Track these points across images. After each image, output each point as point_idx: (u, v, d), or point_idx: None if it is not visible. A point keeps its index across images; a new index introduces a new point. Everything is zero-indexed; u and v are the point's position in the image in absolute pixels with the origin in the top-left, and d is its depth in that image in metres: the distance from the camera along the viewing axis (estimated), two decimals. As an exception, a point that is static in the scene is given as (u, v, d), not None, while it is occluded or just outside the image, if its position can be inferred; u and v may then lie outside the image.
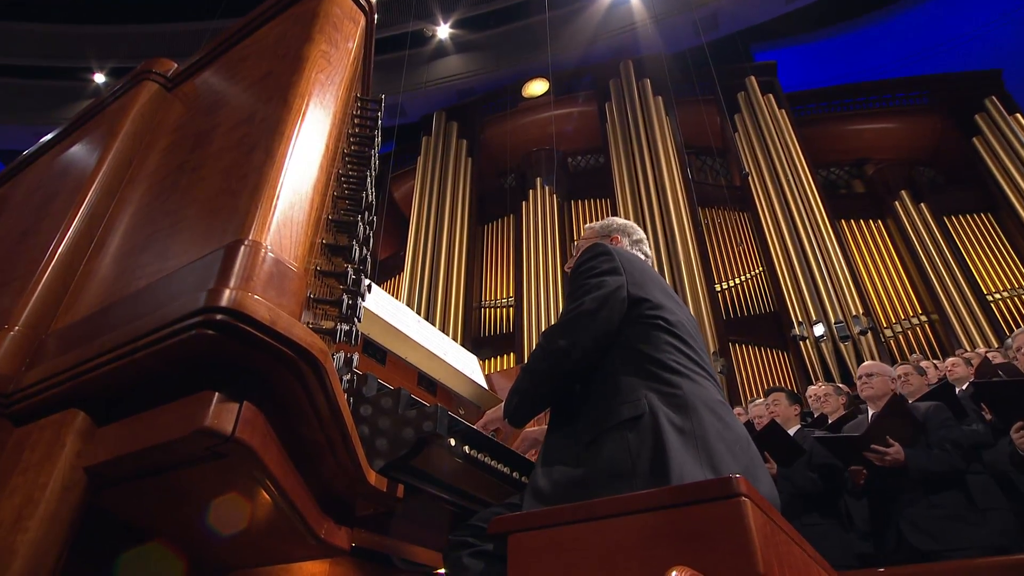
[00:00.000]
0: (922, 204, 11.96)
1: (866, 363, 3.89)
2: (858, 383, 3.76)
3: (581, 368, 1.52)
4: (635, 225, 2.08)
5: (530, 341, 11.44)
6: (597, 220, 2.14)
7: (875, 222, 12.46)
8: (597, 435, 1.37)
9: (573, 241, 13.11)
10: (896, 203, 12.16)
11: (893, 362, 7.43)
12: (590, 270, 1.63)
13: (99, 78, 16.42)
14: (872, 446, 3.13)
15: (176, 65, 1.79)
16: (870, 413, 3.66)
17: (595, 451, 1.35)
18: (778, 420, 4.08)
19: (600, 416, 1.41)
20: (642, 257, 1.96)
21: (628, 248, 1.97)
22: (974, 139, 12.50)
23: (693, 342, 1.57)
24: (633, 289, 1.58)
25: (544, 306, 11.83)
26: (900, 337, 10.75)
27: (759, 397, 5.41)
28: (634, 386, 1.42)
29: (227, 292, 0.90)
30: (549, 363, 1.54)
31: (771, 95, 13.32)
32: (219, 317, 0.89)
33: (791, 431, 4.02)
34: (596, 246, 1.72)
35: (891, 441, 3.11)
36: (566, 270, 1.95)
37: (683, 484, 1.09)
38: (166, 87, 1.74)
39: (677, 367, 1.46)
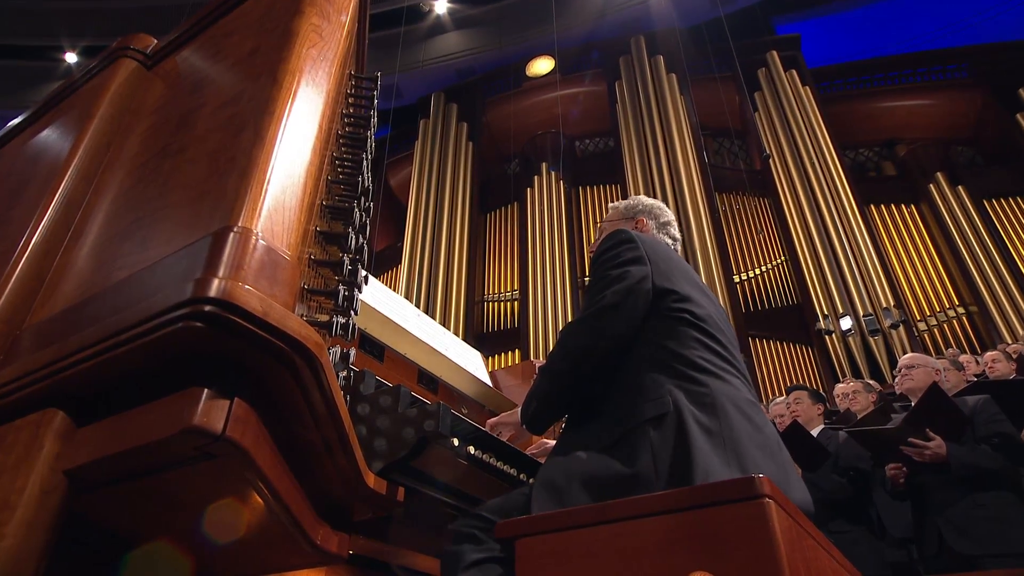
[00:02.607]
0: (959, 187, 11.92)
1: (907, 355, 3.87)
2: (897, 376, 3.72)
3: (604, 367, 1.52)
4: (663, 205, 2.07)
5: (536, 337, 11.46)
6: (607, 207, 2.14)
7: (908, 207, 12.43)
8: (619, 436, 1.37)
9: (581, 230, 13.11)
10: (931, 186, 12.12)
11: (927, 358, 7.41)
12: (612, 259, 1.62)
13: (71, 57, 16.44)
14: (910, 440, 3.10)
15: (156, 41, 1.79)
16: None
17: (616, 452, 1.35)
18: (800, 420, 4.08)
19: (622, 415, 1.41)
20: (669, 241, 1.96)
21: (655, 232, 1.97)
22: (1017, 115, 12.42)
23: (723, 337, 1.56)
24: (658, 280, 1.56)
25: (551, 300, 11.85)
26: (935, 331, 10.72)
27: (781, 395, 5.41)
28: (659, 383, 1.41)
29: (216, 282, 0.91)
30: (570, 363, 1.54)
31: (794, 71, 13.27)
32: (207, 308, 0.89)
33: (814, 432, 4.02)
34: (618, 233, 1.70)
35: (931, 434, 3.07)
36: (589, 253, 1.94)
37: (703, 484, 1.10)
38: (145, 65, 1.74)
39: (705, 364, 1.45)
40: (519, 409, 1.73)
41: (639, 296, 1.53)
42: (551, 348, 1.72)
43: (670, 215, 2.05)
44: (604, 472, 1.32)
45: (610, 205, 2.15)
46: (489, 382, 2.78)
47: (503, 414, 1.85)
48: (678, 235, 2.02)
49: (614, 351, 1.51)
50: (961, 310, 10.90)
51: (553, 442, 2.07)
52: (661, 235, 1.97)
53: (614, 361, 1.52)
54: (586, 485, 1.31)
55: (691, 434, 1.28)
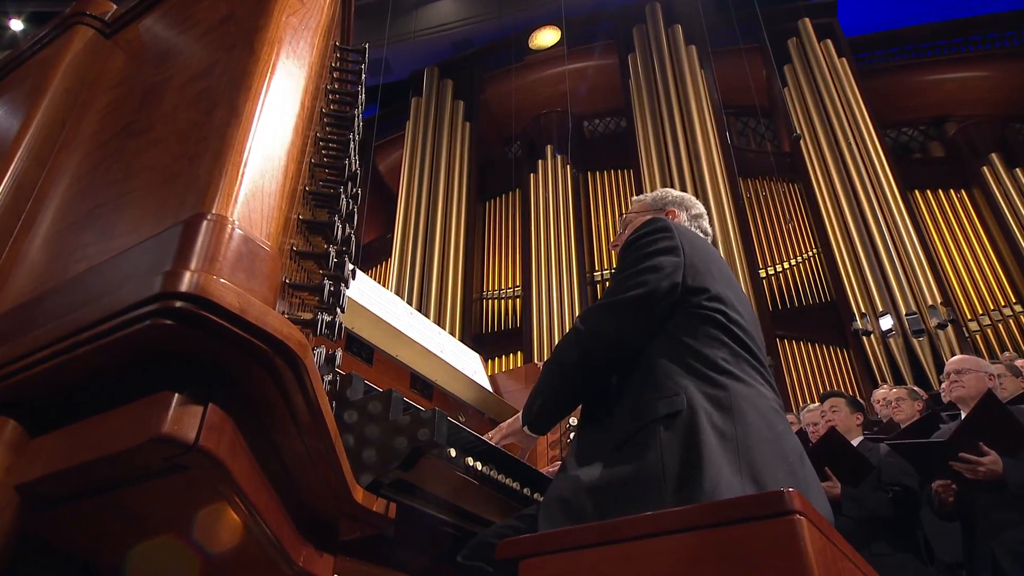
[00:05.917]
0: (1017, 169, 11.87)
1: (956, 358, 3.84)
2: (945, 382, 3.69)
3: (617, 361, 1.57)
4: (694, 198, 2.13)
5: (540, 337, 11.47)
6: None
7: (957, 192, 12.40)
8: (630, 435, 1.41)
9: (590, 219, 13.09)
10: (984, 168, 12.09)
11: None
12: (645, 246, 1.67)
13: (16, 25, 16.40)
14: (961, 455, 3.09)
15: (115, 7, 1.79)
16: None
17: (626, 453, 1.38)
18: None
19: (634, 413, 1.45)
20: (701, 235, 2.02)
21: (686, 224, 2.02)
22: (1082, 88, 12.38)
23: (752, 342, 1.61)
24: (691, 275, 1.62)
25: (556, 297, 11.85)
26: (988, 331, 10.69)
27: (812, 402, 5.42)
28: (675, 380, 1.46)
29: (188, 275, 0.91)
30: (581, 354, 1.60)
31: (829, 41, 13.24)
32: (179, 304, 0.89)
33: (853, 444, 4.02)
34: (655, 220, 1.76)
35: (985, 449, 3.07)
36: (611, 248, 2.01)
37: (727, 499, 1.10)
38: (104, 33, 1.73)
39: (726, 366, 1.50)
40: (520, 415, 1.75)
41: (666, 290, 1.58)
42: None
43: (701, 207, 2.11)
44: (613, 477, 1.36)
45: (634, 198, 2.20)
46: (489, 387, 2.79)
47: (503, 424, 1.87)
48: (709, 229, 2.08)
49: (630, 346, 1.56)
50: (1018, 308, 10.86)
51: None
52: (692, 227, 2.03)
53: (631, 354, 1.56)
54: (592, 494, 1.34)
55: (703, 435, 1.32)
